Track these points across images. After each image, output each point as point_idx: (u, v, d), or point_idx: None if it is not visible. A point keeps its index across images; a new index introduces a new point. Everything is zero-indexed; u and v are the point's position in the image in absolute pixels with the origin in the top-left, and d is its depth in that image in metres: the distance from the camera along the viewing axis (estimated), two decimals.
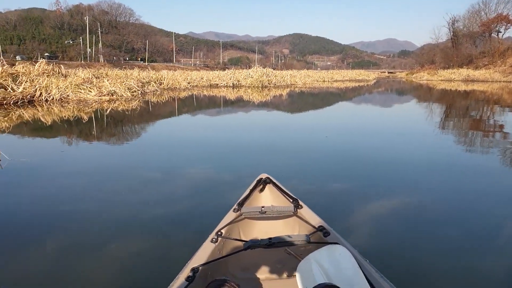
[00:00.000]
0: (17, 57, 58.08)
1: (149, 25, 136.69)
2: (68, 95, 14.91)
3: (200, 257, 1.82)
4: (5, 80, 13.82)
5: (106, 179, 4.63)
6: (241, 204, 2.34)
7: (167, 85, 26.05)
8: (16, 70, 15.23)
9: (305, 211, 2.27)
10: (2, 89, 13.35)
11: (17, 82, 14.27)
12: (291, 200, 2.36)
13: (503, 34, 60.18)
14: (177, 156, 5.98)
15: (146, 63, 72.40)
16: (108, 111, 11.87)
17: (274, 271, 2.06)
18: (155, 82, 24.26)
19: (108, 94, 16.09)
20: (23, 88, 13.94)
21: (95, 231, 3.08)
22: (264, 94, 21.68)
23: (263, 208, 2.25)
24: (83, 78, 16.69)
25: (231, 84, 30.09)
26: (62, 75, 17.01)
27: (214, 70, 57.68)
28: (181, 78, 29.81)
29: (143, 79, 23.40)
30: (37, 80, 14.84)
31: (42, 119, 9.91)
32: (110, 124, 9.56)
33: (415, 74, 72.79)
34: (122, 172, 5.01)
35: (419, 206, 3.66)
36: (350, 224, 3.17)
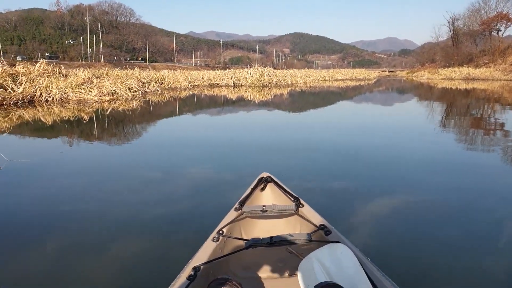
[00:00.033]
0: (17, 57, 58.04)
1: (149, 25, 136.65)
2: (68, 95, 14.89)
3: (202, 256, 1.82)
4: (5, 80, 13.81)
5: (107, 179, 4.63)
6: (242, 203, 2.33)
7: (168, 85, 26.05)
8: (16, 71, 15.21)
9: (307, 210, 2.26)
10: (2, 90, 13.34)
11: (17, 82, 14.26)
12: (292, 199, 2.36)
13: (503, 33, 60.27)
14: (177, 156, 5.98)
15: (147, 63, 72.40)
16: (108, 111, 11.87)
17: (276, 270, 2.06)
18: (155, 82, 24.26)
19: (108, 94, 16.08)
20: (23, 88, 13.93)
21: (95, 231, 3.08)
22: (265, 93, 21.67)
23: (264, 207, 2.25)
24: (83, 78, 16.67)
25: (232, 84, 30.08)
26: (63, 75, 17.00)
27: (215, 69, 57.59)
28: (181, 77, 29.81)
29: (144, 79, 23.39)
30: (37, 80, 14.82)
31: (42, 119, 9.90)
32: (110, 124, 9.56)
33: (415, 73, 72.84)
34: (123, 172, 5.01)
35: (420, 205, 3.65)
36: (351, 223, 3.16)
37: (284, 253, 2.21)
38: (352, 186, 4.27)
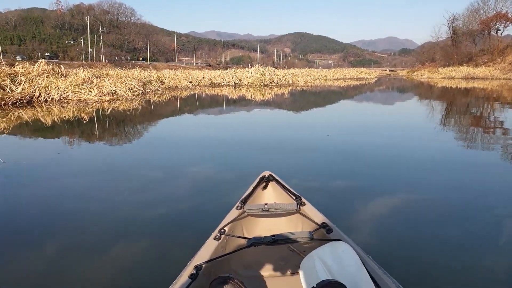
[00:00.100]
0: (17, 57, 57.95)
1: (150, 24, 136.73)
2: (68, 95, 14.85)
3: (203, 254, 1.82)
4: (4, 80, 13.78)
5: (107, 179, 4.63)
6: (244, 202, 2.34)
7: (169, 85, 26.06)
8: (15, 70, 15.19)
9: (308, 208, 2.27)
10: (0, 90, 13.31)
11: (16, 82, 14.21)
12: (294, 197, 2.36)
13: (502, 32, 60.34)
14: (179, 155, 5.98)
15: (148, 63, 72.39)
16: (108, 111, 11.87)
17: (278, 268, 2.06)
18: (156, 82, 24.26)
19: (108, 94, 16.07)
20: (22, 88, 13.89)
21: (96, 230, 3.08)
22: (266, 93, 21.67)
23: (266, 206, 2.25)
24: (83, 78, 16.65)
25: (233, 83, 30.09)
26: (62, 75, 16.98)
27: (216, 69, 57.57)
28: (182, 77, 29.81)
29: (144, 78, 23.39)
30: (36, 80, 14.78)
31: (40, 120, 9.87)
32: (110, 124, 9.56)
33: (416, 72, 72.83)
34: (123, 171, 5.01)
35: (421, 204, 3.65)
36: (353, 221, 3.17)
37: (286, 251, 2.21)
38: (353, 185, 4.27)
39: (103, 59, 77.81)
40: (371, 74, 70.01)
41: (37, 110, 11.79)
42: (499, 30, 59.83)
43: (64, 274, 2.42)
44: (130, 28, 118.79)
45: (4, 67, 15.03)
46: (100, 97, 15.44)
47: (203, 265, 1.72)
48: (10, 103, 12.96)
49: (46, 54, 75.82)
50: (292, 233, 1.85)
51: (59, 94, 14.57)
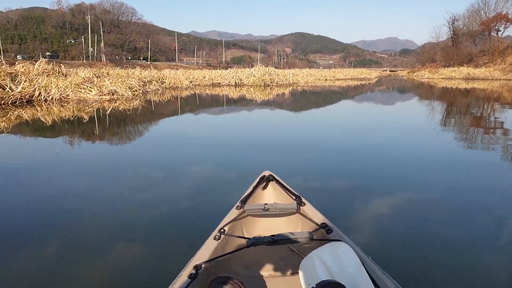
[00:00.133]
0: (18, 56, 58.00)
1: (151, 24, 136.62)
2: (68, 95, 14.84)
3: (203, 254, 1.82)
4: (3, 79, 13.78)
5: (107, 179, 4.63)
6: (244, 202, 2.33)
7: (169, 84, 26.06)
8: (15, 70, 15.18)
9: (308, 209, 2.26)
10: (0, 89, 13.32)
11: (16, 81, 14.21)
12: (294, 198, 2.35)
13: (502, 33, 60.34)
14: (179, 155, 5.98)
15: (149, 62, 72.48)
16: (108, 111, 11.86)
17: (277, 268, 2.06)
18: (156, 81, 24.27)
19: (108, 93, 16.07)
20: (22, 87, 13.89)
21: (96, 230, 3.07)
22: (267, 93, 21.67)
23: (266, 205, 2.25)
24: (83, 78, 16.65)
25: (234, 83, 30.10)
26: (63, 74, 16.98)
27: (217, 69, 57.66)
28: (183, 77, 29.83)
29: (145, 78, 23.40)
30: (36, 79, 14.76)
31: (39, 119, 9.86)
32: (110, 123, 9.56)
33: (416, 73, 72.89)
34: (123, 171, 5.01)
35: (421, 204, 3.65)
36: (353, 221, 3.16)
37: (286, 251, 2.21)
38: (353, 185, 4.26)
39: (104, 59, 77.92)
40: (372, 74, 69.98)
41: (37, 110, 11.78)
42: (500, 31, 60.00)
43: (63, 274, 2.42)
44: (131, 28, 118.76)
45: (4, 66, 15.02)
46: (100, 97, 15.44)
47: (203, 265, 1.72)
48: (9, 102, 12.95)
49: (47, 53, 75.91)
50: (292, 233, 1.84)
51: (59, 93, 14.56)
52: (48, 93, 14.39)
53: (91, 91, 15.61)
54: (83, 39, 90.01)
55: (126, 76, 21.04)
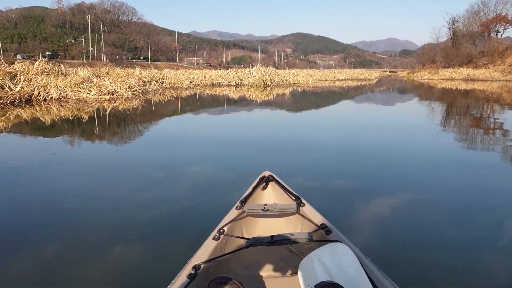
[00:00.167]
0: (17, 55, 57.94)
1: (151, 24, 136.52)
2: (67, 95, 14.81)
3: (202, 254, 1.81)
4: (2, 79, 13.74)
5: (107, 179, 4.62)
6: (243, 202, 2.33)
7: (169, 84, 26.06)
8: (14, 69, 15.15)
9: (308, 209, 2.26)
10: None
11: (15, 81, 14.17)
12: (294, 198, 2.35)
13: (502, 34, 60.54)
14: (179, 155, 5.97)
15: (149, 62, 72.45)
16: (108, 111, 11.84)
17: (276, 269, 2.06)
18: (156, 81, 24.26)
19: (108, 93, 16.05)
20: (21, 87, 13.85)
21: (96, 230, 3.07)
22: (267, 93, 21.67)
23: (265, 206, 2.24)
24: (83, 77, 16.63)
25: (234, 83, 30.11)
26: (62, 74, 16.95)
27: (217, 69, 57.66)
28: (183, 77, 29.83)
29: (145, 78, 23.39)
30: (35, 79, 14.73)
31: (38, 119, 9.83)
32: (110, 123, 9.56)
33: (416, 73, 72.95)
34: (123, 170, 5.01)
35: (421, 205, 3.65)
36: (353, 222, 3.16)
37: (285, 252, 2.21)
38: (353, 185, 4.26)
39: (104, 58, 77.88)
40: (372, 75, 70.05)
41: (36, 109, 11.76)
42: (499, 32, 60.15)
43: (63, 274, 2.41)
44: (131, 28, 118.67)
45: (3, 65, 14.98)
46: (99, 96, 15.42)
47: (202, 265, 1.72)
48: (8, 102, 12.92)
49: (47, 52, 75.88)
50: (291, 234, 1.84)
51: (58, 93, 14.53)
52: (47, 93, 14.35)
53: (90, 90, 15.58)
54: (83, 39, 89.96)
55: (126, 76, 21.03)
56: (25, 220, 3.28)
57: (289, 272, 2.03)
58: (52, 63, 17.85)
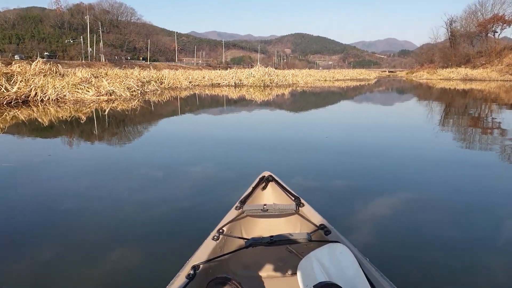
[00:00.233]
0: (15, 56, 57.87)
1: (150, 24, 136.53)
2: (64, 95, 14.77)
3: (201, 254, 1.81)
4: None
5: (106, 179, 4.62)
6: (243, 202, 2.33)
7: (168, 85, 26.04)
8: (11, 70, 15.07)
9: (307, 210, 2.26)
10: None
11: (12, 81, 14.11)
12: (293, 198, 2.35)
13: (499, 34, 60.67)
14: (178, 155, 5.97)
15: (148, 63, 72.43)
16: (106, 111, 11.82)
17: (276, 269, 2.06)
18: (155, 82, 24.24)
19: (106, 94, 16.01)
20: (18, 88, 13.80)
21: (95, 230, 3.07)
22: (266, 93, 21.67)
23: (265, 206, 2.24)
24: (81, 78, 16.58)
25: (233, 84, 30.12)
26: (60, 74, 16.90)
27: (217, 69, 57.68)
28: (182, 77, 29.82)
29: (144, 78, 23.36)
30: (32, 79, 14.66)
31: (35, 120, 9.77)
32: (108, 124, 9.55)
33: (415, 73, 73.01)
34: (123, 171, 5.01)
35: (420, 205, 3.65)
36: (352, 222, 3.16)
37: (284, 252, 2.21)
38: (352, 186, 4.26)
39: (103, 59, 77.80)
40: (371, 75, 70.17)
41: (32, 110, 11.73)
42: (496, 32, 60.26)
43: (63, 274, 2.41)
44: (130, 28, 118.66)
45: None
46: (97, 97, 15.39)
47: (201, 265, 1.72)
48: (5, 103, 12.88)
49: (45, 53, 75.74)
50: (290, 234, 1.84)
51: (55, 93, 14.49)
52: (45, 93, 14.30)
53: (88, 91, 15.54)
54: (82, 39, 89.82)
55: (125, 77, 21.00)
56: (25, 220, 3.27)
57: (288, 272, 2.03)
58: (50, 64, 17.78)
